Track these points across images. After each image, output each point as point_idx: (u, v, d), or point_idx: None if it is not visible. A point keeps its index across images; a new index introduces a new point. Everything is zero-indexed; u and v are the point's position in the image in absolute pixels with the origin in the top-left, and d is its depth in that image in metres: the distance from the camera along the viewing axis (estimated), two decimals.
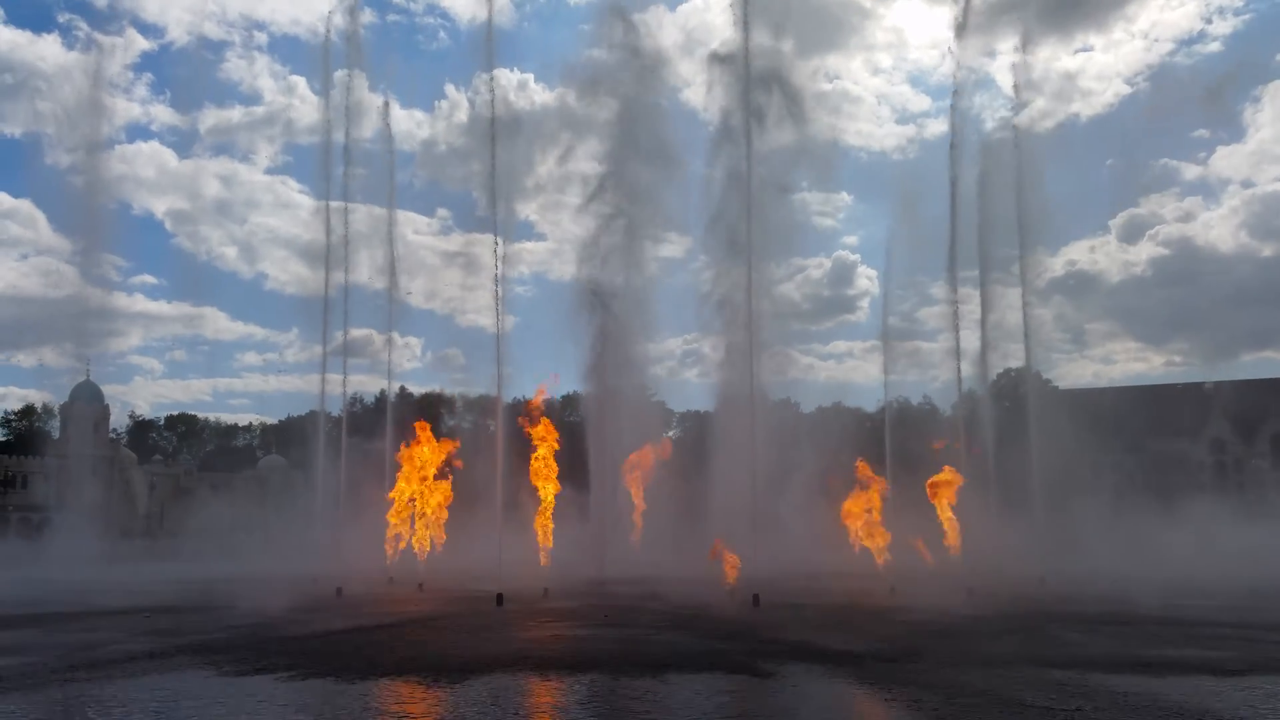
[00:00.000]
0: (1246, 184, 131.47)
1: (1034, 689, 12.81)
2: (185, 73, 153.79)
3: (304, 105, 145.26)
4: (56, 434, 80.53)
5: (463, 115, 62.12)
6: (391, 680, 13.68)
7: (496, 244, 49.62)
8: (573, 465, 53.38)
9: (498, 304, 48.80)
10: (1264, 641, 17.76)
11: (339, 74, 53.70)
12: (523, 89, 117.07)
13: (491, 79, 50.64)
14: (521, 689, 13.14)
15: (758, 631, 18.98)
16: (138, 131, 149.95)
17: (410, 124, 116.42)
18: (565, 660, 15.52)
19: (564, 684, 13.33)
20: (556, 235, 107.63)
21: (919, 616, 21.89)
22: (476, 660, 15.39)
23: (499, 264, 48.93)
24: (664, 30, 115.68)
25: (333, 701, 12.26)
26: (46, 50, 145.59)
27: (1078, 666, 14.44)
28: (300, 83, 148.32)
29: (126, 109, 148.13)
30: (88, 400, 74.29)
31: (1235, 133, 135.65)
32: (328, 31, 54.02)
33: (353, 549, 43.48)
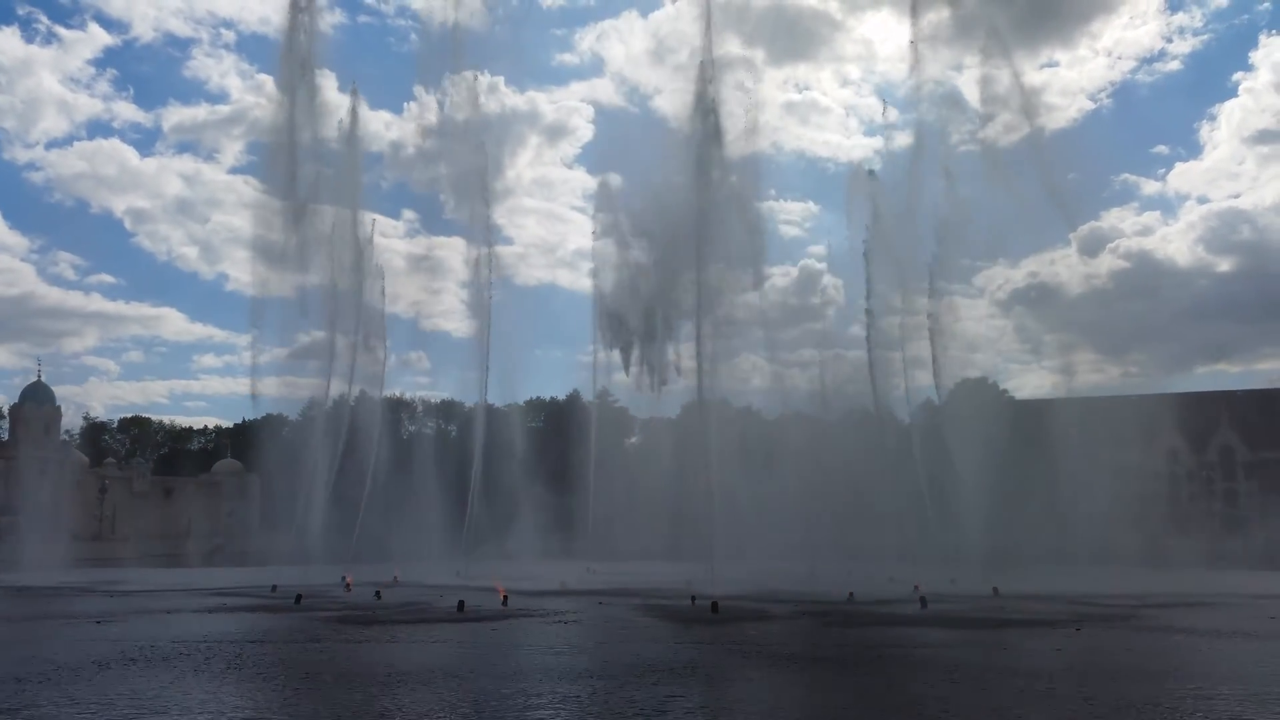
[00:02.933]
0: (1202, 200, 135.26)
1: (992, 693, 12.97)
2: (150, 69, 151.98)
3: (271, 104, 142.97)
4: (5, 436, 78.70)
5: (432, 117, 61.54)
6: (350, 685, 13.51)
7: (472, 248, 49.31)
8: (538, 471, 53.19)
9: (494, 307, 48.38)
10: (1209, 649, 18.20)
11: (306, 74, 52.98)
12: (493, 91, 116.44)
13: (476, 79, 50.47)
14: (483, 693, 12.99)
15: (715, 637, 19.03)
16: (99, 128, 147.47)
17: (379, 125, 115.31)
18: (526, 667, 15.43)
19: (525, 689, 13.23)
20: (523, 239, 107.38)
21: (876, 624, 22.09)
22: (431, 666, 15.25)
23: (486, 267, 48.65)
24: (635, 37, 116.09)
25: (286, 706, 12.09)
26: (5, 44, 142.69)
27: (1031, 674, 14.65)
28: (268, 81, 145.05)
29: (88, 105, 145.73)
30: (39, 402, 72.80)
31: (1193, 149, 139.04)
32: (292, 29, 53.41)
33: (312, 554, 42.98)
